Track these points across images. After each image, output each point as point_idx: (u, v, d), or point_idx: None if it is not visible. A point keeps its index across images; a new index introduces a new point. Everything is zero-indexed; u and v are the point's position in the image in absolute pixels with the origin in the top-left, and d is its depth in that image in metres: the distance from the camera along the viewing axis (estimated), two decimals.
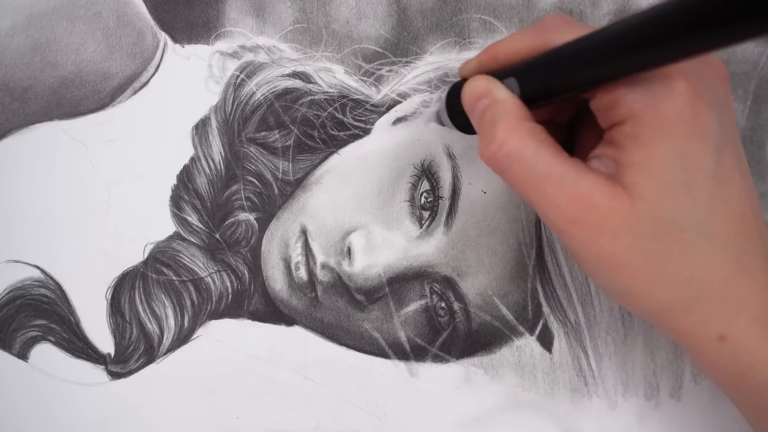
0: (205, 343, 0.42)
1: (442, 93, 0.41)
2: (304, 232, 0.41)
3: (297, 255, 0.41)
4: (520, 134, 0.29)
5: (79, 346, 0.41)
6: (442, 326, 0.41)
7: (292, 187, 0.42)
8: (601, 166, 0.30)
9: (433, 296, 0.40)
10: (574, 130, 0.35)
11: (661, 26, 0.24)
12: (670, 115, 0.27)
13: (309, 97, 0.42)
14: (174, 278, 0.42)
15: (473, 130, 0.33)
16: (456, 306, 0.40)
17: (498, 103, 0.31)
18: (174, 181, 0.42)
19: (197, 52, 0.42)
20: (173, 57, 0.42)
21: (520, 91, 0.31)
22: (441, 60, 0.42)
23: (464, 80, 0.34)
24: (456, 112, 0.35)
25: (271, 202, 0.42)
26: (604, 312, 0.40)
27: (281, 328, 0.42)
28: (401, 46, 0.42)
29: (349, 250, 0.40)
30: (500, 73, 0.32)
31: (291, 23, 0.42)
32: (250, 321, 0.42)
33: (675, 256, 0.28)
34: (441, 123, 0.39)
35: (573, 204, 0.29)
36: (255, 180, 0.42)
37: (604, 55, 0.27)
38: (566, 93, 0.30)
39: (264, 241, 0.42)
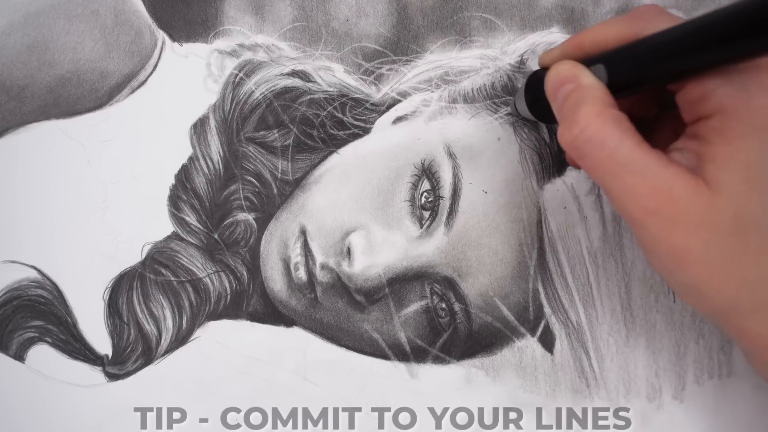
0: (203, 344, 0.41)
1: (520, 83, 0.41)
2: (303, 233, 0.41)
3: (296, 255, 0.40)
4: (603, 120, 0.29)
5: (76, 347, 0.41)
6: (443, 327, 0.40)
7: (291, 186, 0.42)
8: (682, 159, 0.29)
9: (434, 297, 0.40)
10: (649, 125, 0.35)
11: (763, 13, 0.24)
12: (761, 111, 0.27)
13: (308, 96, 0.42)
14: (172, 279, 0.42)
15: (552, 119, 0.34)
16: (457, 307, 0.40)
17: (583, 88, 0.31)
18: (172, 181, 0.42)
19: (196, 50, 0.42)
20: (171, 55, 0.42)
21: (607, 79, 0.31)
22: (441, 59, 0.42)
23: (544, 69, 0.34)
24: (535, 101, 0.36)
25: (270, 202, 0.42)
26: (606, 313, 0.40)
27: (280, 329, 0.42)
28: (401, 45, 0.42)
29: (348, 251, 0.40)
30: (587, 60, 0.32)
31: (290, 21, 0.42)
32: (248, 322, 0.42)
33: (751, 255, 0.28)
34: (517, 114, 0.39)
35: (652, 194, 0.28)
36: (254, 180, 0.42)
37: (703, 44, 0.27)
38: (656, 81, 0.30)
39: (263, 242, 0.42)
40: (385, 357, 0.41)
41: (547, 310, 0.40)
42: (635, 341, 0.40)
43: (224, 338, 0.41)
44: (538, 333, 0.40)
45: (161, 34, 0.42)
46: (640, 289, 0.40)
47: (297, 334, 0.42)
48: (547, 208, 0.40)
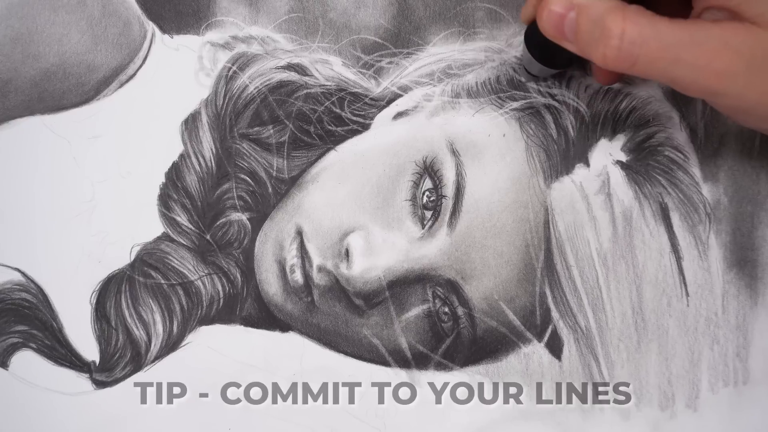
0: (195, 350, 0.41)
1: (518, 46, 0.42)
2: (299, 233, 0.40)
3: (292, 257, 0.40)
4: (631, 19, 0.30)
5: (62, 353, 0.41)
6: (446, 332, 0.40)
7: (287, 185, 0.41)
8: (714, 17, 0.31)
9: (436, 301, 0.39)
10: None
11: None
12: None
13: (305, 91, 0.41)
14: (162, 282, 0.41)
15: (566, 60, 0.36)
16: (460, 311, 0.39)
17: (587, 6, 0.32)
18: (162, 179, 0.42)
19: (187, 42, 0.42)
20: (161, 48, 0.42)
21: None
22: (444, 51, 0.42)
23: (533, 24, 0.35)
24: (542, 50, 0.37)
25: (264, 202, 0.41)
26: (616, 317, 0.39)
27: (275, 335, 0.41)
28: (402, 37, 0.42)
29: (347, 252, 0.39)
30: None
31: (286, 12, 0.42)
32: (242, 327, 0.41)
33: None
34: (531, 76, 0.40)
35: (715, 57, 0.30)
36: (248, 178, 0.41)
37: None
38: None
39: (257, 243, 0.41)
40: (385, 363, 0.41)
41: (554, 314, 0.39)
42: (647, 347, 0.40)
43: (217, 344, 0.41)
44: (546, 338, 0.40)
45: (151, 26, 0.42)
46: (651, 292, 0.39)
47: (293, 339, 0.41)
48: (554, 207, 0.39)
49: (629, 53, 0.30)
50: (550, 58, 0.37)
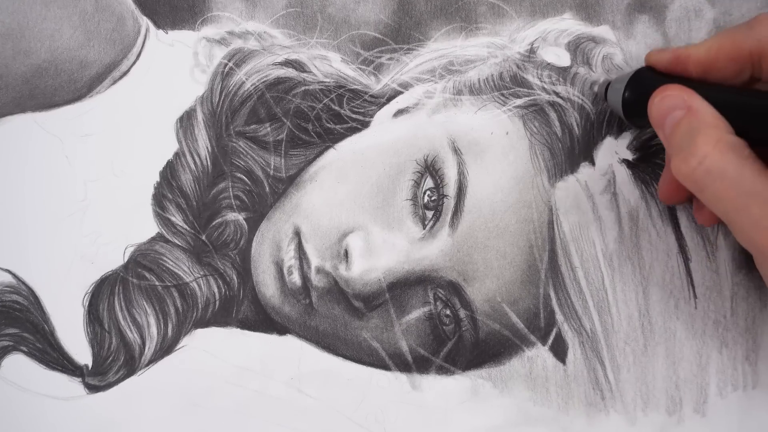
0: (190, 353, 0.41)
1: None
2: (297, 234, 0.40)
3: (290, 258, 0.40)
4: (722, 149, 0.29)
5: (53, 356, 0.41)
6: (447, 335, 0.40)
7: (285, 184, 0.41)
8: None
9: (438, 303, 0.39)
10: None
11: None
12: None
13: (303, 87, 0.41)
14: (157, 283, 0.41)
15: (643, 125, 0.34)
16: (462, 313, 0.39)
17: (695, 113, 0.31)
18: (157, 179, 0.41)
19: (182, 38, 0.42)
20: (156, 44, 0.42)
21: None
22: (445, 47, 0.42)
23: (649, 69, 0.35)
24: (632, 103, 0.35)
25: (261, 201, 0.41)
26: (623, 320, 0.39)
27: (273, 338, 0.41)
28: (403, 32, 0.42)
29: (346, 253, 0.39)
30: (701, 87, 0.32)
31: (283, 7, 0.42)
32: (239, 330, 0.41)
33: None
34: (602, 99, 0.38)
35: None
36: (244, 177, 0.41)
37: None
38: None
39: (254, 244, 0.41)
40: (386, 367, 0.41)
41: (559, 316, 0.39)
42: (653, 350, 0.39)
43: (213, 347, 0.41)
44: (550, 341, 0.40)
45: (145, 21, 0.42)
46: (658, 294, 0.39)
47: (291, 342, 0.41)
48: (559, 207, 0.39)
49: (700, 180, 0.30)
50: (635, 112, 0.35)
